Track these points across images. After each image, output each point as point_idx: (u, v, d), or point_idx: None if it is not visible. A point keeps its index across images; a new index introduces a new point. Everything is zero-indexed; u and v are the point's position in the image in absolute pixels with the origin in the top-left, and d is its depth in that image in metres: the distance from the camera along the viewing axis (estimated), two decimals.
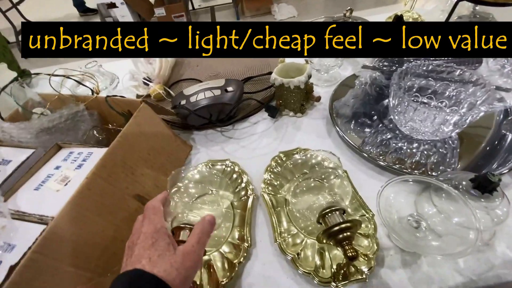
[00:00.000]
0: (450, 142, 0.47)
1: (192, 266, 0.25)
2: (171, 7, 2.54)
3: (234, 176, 0.45)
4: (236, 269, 0.34)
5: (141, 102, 0.42)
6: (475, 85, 0.44)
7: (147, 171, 0.40)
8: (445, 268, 0.33)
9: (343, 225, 0.29)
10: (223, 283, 0.33)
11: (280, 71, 0.53)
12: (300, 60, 0.56)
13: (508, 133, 0.47)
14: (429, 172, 0.42)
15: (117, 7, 2.38)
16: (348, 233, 0.29)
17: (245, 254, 0.35)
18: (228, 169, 0.46)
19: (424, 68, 0.48)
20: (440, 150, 0.46)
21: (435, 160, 0.44)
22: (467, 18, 0.66)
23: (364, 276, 0.31)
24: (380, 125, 0.50)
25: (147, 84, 0.62)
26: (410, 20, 0.75)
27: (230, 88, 0.53)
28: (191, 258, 0.25)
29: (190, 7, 2.95)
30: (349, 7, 0.66)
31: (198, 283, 0.34)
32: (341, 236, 0.29)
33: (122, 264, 0.25)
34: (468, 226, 0.30)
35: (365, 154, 0.45)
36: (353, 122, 0.51)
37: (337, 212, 0.31)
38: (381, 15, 0.80)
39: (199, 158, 0.51)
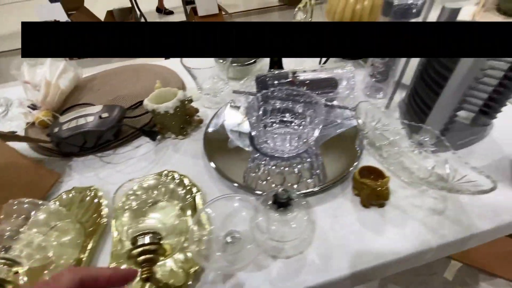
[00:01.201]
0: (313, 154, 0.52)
1: None
2: None
3: (96, 200, 0.46)
4: None
5: None
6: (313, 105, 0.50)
7: None
8: (258, 279, 0.36)
9: (139, 249, 0.31)
10: None
11: (155, 97, 0.55)
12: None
13: (358, 148, 0.52)
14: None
15: None
16: (148, 256, 0.31)
17: None
18: (89, 196, 0.47)
19: (285, 92, 0.53)
20: (307, 161, 0.50)
21: (299, 173, 0.48)
22: None
23: None
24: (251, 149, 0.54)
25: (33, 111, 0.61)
26: None
27: (105, 114, 0.54)
28: None
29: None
30: None
31: None
32: (141, 258, 0.31)
33: None
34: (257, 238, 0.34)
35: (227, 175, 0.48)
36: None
37: (148, 236, 0.33)
38: None
39: (71, 185, 0.51)
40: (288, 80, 0.56)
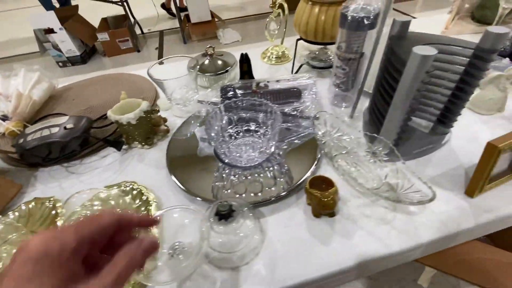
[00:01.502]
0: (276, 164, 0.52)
1: None
2: (116, 32, 2.56)
3: (53, 212, 0.46)
4: None
5: None
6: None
7: None
8: None
9: None
10: None
11: (120, 108, 0.56)
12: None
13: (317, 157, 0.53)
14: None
15: (56, 32, 2.34)
16: None
17: None
18: (47, 207, 0.47)
19: (245, 102, 0.54)
20: (270, 170, 0.51)
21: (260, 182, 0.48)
22: None
23: None
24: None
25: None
26: (274, 53, 0.84)
27: (70, 125, 0.55)
28: None
29: (139, 31, 2.99)
30: (209, 45, 0.73)
31: None
32: None
33: None
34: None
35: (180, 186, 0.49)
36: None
37: None
38: (258, 49, 0.89)
39: (34, 195, 0.51)
40: (251, 91, 0.57)
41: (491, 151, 0.37)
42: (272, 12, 0.78)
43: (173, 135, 0.60)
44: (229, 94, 0.58)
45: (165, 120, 0.62)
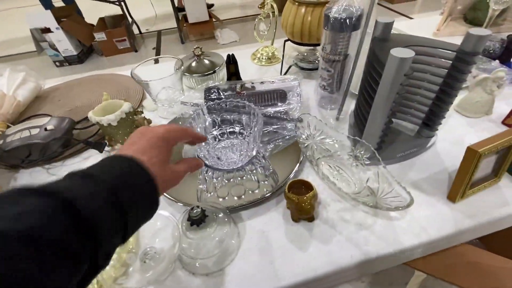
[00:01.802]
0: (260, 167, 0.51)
1: (172, 184, 0.29)
2: (113, 32, 2.55)
3: None
4: None
5: None
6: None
7: None
8: None
9: None
10: None
11: (102, 109, 0.55)
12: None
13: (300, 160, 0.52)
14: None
15: (52, 32, 2.34)
16: None
17: None
18: None
19: (228, 104, 0.53)
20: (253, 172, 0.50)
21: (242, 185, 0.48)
22: None
23: None
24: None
25: None
26: (265, 54, 0.83)
27: (50, 127, 0.54)
28: (175, 177, 0.29)
29: (137, 31, 2.98)
30: (196, 46, 0.72)
31: None
32: None
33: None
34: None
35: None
36: None
37: None
38: (248, 49, 0.89)
39: None
40: (235, 92, 0.56)
41: (471, 155, 0.37)
42: (262, 12, 0.77)
43: None
44: (212, 95, 0.57)
45: (149, 121, 0.62)
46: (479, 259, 0.48)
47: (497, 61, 0.68)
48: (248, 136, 0.54)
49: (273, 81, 0.59)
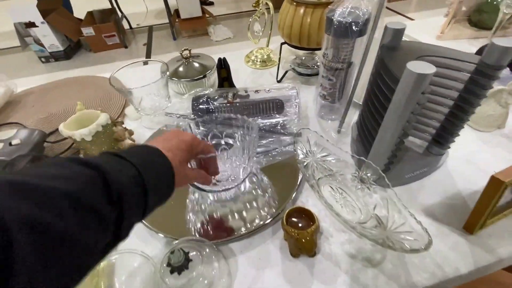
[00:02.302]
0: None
1: (181, 183, 0.30)
2: (101, 27, 2.45)
3: None
4: None
5: None
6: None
7: None
8: None
9: None
10: None
11: (75, 121, 0.49)
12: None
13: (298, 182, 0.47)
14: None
15: (37, 26, 2.23)
16: None
17: None
18: None
19: (220, 117, 0.48)
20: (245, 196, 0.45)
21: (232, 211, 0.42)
22: None
23: None
24: None
25: None
26: (259, 56, 0.78)
27: (16, 141, 0.48)
28: (186, 179, 0.31)
29: (127, 26, 2.88)
30: (184, 48, 0.66)
31: None
32: None
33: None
34: None
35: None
36: None
37: None
38: (242, 51, 0.83)
39: None
40: (227, 102, 0.51)
41: (497, 185, 0.32)
42: (256, 11, 0.71)
43: None
44: (201, 105, 0.51)
45: (130, 132, 0.55)
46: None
47: (507, 68, 0.63)
48: (242, 153, 0.49)
49: (269, 90, 0.53)
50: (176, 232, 0.39)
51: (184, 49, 0.65)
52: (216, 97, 0.52)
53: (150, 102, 0.58)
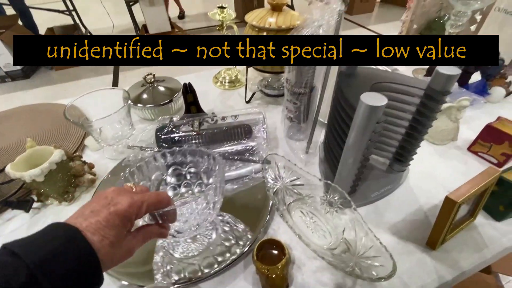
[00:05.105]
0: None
1: (122, 261, 0.26)
2: None
3: None
4: None
5: None
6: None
7: None
8: None
9: None
10: None
11: (25, 160, 0.45)
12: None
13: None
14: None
15: None
16: None
17: None
18: None
19: (183, 151, 0.46)
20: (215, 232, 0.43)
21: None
22: None
23: None
24: None
25: None
26: (227, 77, 0.78)
27: None
28: (127, 255, 0.26)
29: None
30: (148, 73, 0.64)
31: None
32: None
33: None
34: None
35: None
36: None
37: None
38: (208, 71, 0.82)
39: None
40: (193, 131, 0.49)
41: (451, 205, 0.34)
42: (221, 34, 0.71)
43: (100, 186, 0.50)
44: (165, 136, 0.49)
45: (91, 166, 0.52)
46: None
47: (456, 84, 0.69)
48: (207, 189, 0.47)
49: (236, 116, 0.53)
50: (142, 277, 0.37)
51: (148, 74, 0.63)
52: (182, 126, 0.51)
53: (111, 131, 0.55)
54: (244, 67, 0.67)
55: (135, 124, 0.65)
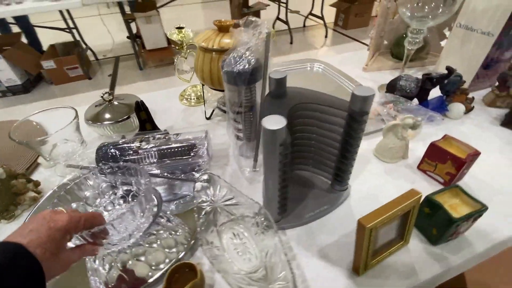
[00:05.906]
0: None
1: (60, 273, 0.28)
2: (63, 59, 2.42)
3: None
4: None
5: None
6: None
7: None
8: None
9: None
10: None
11: None
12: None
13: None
14: None
15: None
16: None
17: None
18: None
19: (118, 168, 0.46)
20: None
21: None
22: None
23: None
24: None
25: None
26: (193, 94, 0.79)
27: None
28: (65, 267, 0.28)
29: (93, 58, 2.87)
30: (106, 91, 0.65)
31: None
32: None
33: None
34: None
35: None
36: None
37: None
38: (175, 88, 0.84)
39: None
40: (132, 150, 0.50)
41: (362, 230, 0.33)
42: (182, 53, 0.73)
43: (43, 202, 0.50)
44: (104, 155, 0.50)
45: (36, 183, 0.53)
46: None
47: (415, 99, 0.68)
48: (134, 203, 0.47)
49: (178, 134, 0.53)
50: None
51: (105, 92, 0.65)
52: (120, 147, 0.51)
53: (62, 148, 0.56)
54: None
55: (94, 141, 0.66)
